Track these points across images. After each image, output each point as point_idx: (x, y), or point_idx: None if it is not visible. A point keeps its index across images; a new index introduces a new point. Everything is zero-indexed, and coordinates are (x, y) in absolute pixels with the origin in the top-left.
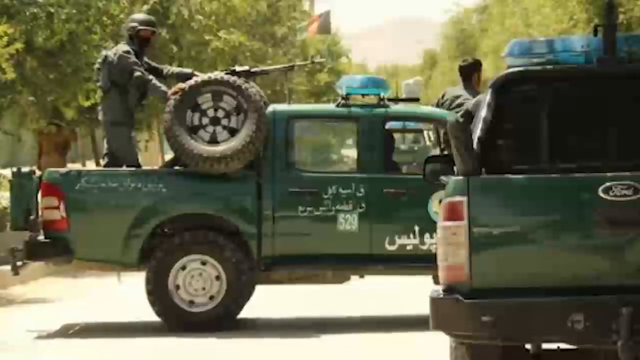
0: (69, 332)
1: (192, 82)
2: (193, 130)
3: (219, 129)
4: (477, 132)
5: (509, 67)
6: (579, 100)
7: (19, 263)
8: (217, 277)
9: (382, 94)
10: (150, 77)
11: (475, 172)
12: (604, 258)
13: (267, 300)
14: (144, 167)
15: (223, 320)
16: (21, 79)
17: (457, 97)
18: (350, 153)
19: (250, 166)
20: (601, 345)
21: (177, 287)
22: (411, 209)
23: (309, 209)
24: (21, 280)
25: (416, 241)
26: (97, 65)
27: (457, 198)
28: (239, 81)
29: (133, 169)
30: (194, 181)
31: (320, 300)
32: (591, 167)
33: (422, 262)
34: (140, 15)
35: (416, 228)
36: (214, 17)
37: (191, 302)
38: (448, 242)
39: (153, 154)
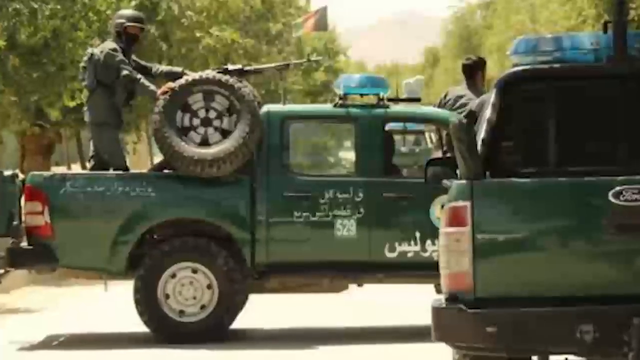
0: (53, 343)
1: (182, 81)
2: (183, 132)
3: (210, 130)
4: (482, 133)
5: (515, 65)
6: (588, 100)
7: (0, 271)
8: (209, 286)
9: (381, 94)
10: (139, 76)
11: (479, 175)
12: (615, 266)
13: (260, 310)
14: (132, 171)
15: (215, 330)
16: (3, 78)
17: (460, 97)
18: (348, 156)
19: (244, 169)
20: (611, 357)
21: (167, 296)
22: (412, 214)
23: (304, 214)
24: (3, 289)
25: (417, 248)
26: (82, 64)
27: (461, 203)
28: (232, 80)
29: (120, 172)
30: (185, 185)
31: (316, 310)
32: (601, 170)
33: (424, 270)
34: (128, 11)
35: (417, 234)
36: (205, 13)
37: (181, 312)
38: (451, 249)
39: (141, 156)
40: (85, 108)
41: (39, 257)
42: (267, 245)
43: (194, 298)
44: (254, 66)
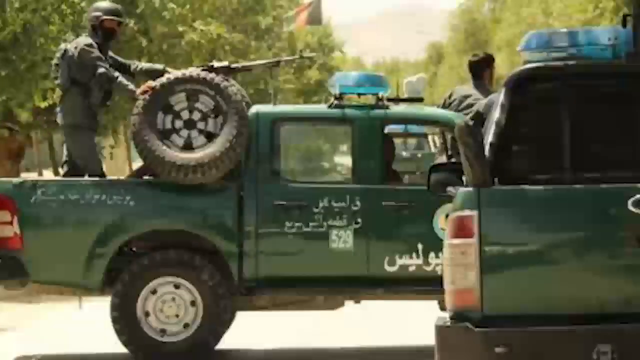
0: None
1: (163, 79)
2: (165, 135)
3: (194, 133)
4: (489, 136)
5: (526, 62)
6: (605, 100)
7: None
8: (193, 303)
9: (380, 94)
10: (116, 74)
11: (486, 182)
12: (634, 281)
13: (249, 329)
14: (109, 177)
15: (199, 351)
16: None
17: (467, 96)
18: (344, 161)
19: (230, 176)
20: None
21: (147, 313)
22: (414, 224)
23: (297, 224)
24: None
25: (419, 261)
26: (55, 61)
27: (467, 212)
28: (218, 79)
29: (96, 179)
30: (166, 193)
31: (310, 328)
32: (619, 176)
33: (427, 285)
34: (104, 4)
35: (419, 246)
36: (189, 5)
37: (163, 331)
38: (456, 262)
39: (119, 162)
40: (58, 109)
41: (8, 271)
42: (256, 259)
43: (177, 316)
44: (242, 63)
